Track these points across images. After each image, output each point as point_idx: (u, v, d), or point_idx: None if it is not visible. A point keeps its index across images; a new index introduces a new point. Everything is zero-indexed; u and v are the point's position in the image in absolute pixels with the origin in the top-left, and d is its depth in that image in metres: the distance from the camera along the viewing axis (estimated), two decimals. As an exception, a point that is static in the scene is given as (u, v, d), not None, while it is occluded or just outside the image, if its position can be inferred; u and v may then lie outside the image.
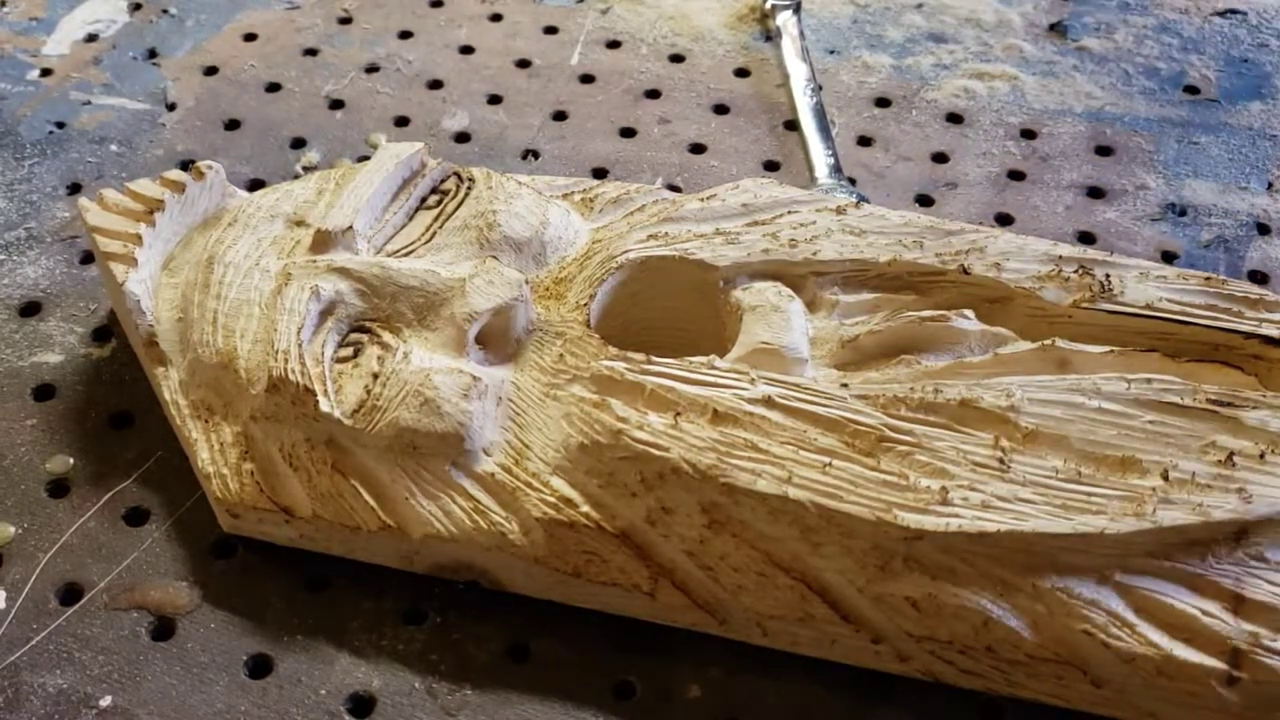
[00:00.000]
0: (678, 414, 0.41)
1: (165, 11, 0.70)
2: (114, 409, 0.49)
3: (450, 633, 0.43)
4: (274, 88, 0.65)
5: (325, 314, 0.44)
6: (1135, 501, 0.38)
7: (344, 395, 0.43)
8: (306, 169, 0.60)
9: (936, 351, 0.44)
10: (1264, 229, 0.57)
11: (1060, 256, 0.47)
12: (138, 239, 0.48)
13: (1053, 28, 0.69)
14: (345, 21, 0.69)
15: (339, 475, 0.42)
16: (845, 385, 0.42)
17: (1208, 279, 0.46)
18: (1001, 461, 0.39)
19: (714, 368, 0.43)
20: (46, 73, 0.65)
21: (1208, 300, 0.45)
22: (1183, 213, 0.58)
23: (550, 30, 0.69)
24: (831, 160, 0.59)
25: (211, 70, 0.66)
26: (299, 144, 0.62)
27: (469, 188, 0.50)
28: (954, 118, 0.63)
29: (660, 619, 0.42)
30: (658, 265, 0.47)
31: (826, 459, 0.40)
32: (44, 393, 0.50)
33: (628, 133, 0.63)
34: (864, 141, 0.62)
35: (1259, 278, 0.55)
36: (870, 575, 0.39)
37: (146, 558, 0.44)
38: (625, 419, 0.41)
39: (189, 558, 0.45)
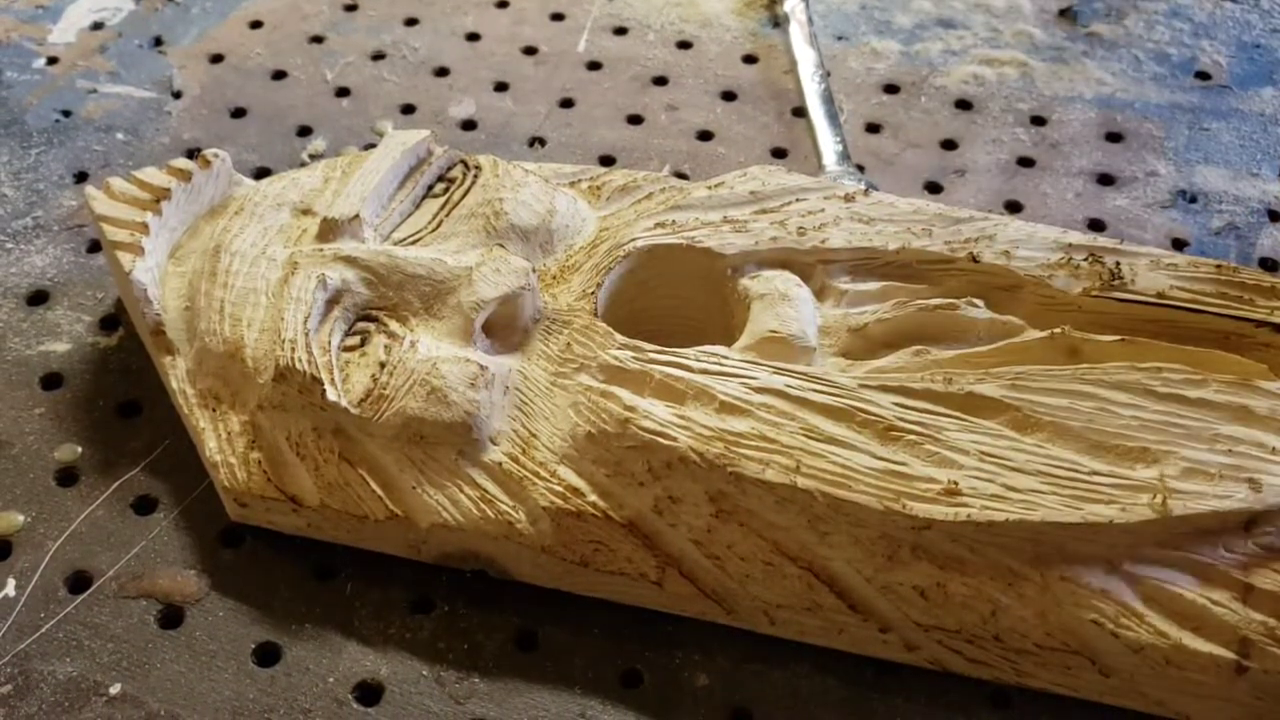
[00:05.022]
0: (685, 403, 0.41)
1: (171, -1, 0.70)
2: (122, 398, 0.49)
3: (458, 621, 0.43)
4: (280, 75, 0.65)
5: (332, 303, 0.44)
6: (1144, 491, 0.38)
7: (351, 384, 0.42)
8: (313, 157, 0.60)
9: (945, 340, 0.44)
10: (1275, 216, 0.57)
11: (1070, 244, 0.46)
12: (144, 228, 0.48)
13: (1062, 13, 0.68)
14: (351, 8, 0.69)
15: (346, 464, 0.42)
16: (853, 374, 0.42)
17: (1219, 267, 0.45)
18: (1010, 451, 0.39)
19: (722, 357, 0.42)
20: (52, 61, 0.65)
21: (1219, 288, 0.44)
22: (1193, 200, 0.58)
23: (557, 17, 0.69)
24: (840, 147, 0.58)
25: (217, 58, 0.66)
26: (305, 132, 0.62)
27: (476, 176, 0.50)
28: (963, 104, 0.63)
29: (668, 608, 0.42)
30: (665, 254, 0.47)
31: (834, 448, 0.39)
32: (52, 381, 0.50)
33: (635, 120, 0.62)
34: (872, 128, 0.62)
35: (1270, 265, 0.55)
36: (878, 564, 0.39)
37: (155, 546, 0.45)
38: (633, 408, 0.41)
39: (197, 546, 0.45)
